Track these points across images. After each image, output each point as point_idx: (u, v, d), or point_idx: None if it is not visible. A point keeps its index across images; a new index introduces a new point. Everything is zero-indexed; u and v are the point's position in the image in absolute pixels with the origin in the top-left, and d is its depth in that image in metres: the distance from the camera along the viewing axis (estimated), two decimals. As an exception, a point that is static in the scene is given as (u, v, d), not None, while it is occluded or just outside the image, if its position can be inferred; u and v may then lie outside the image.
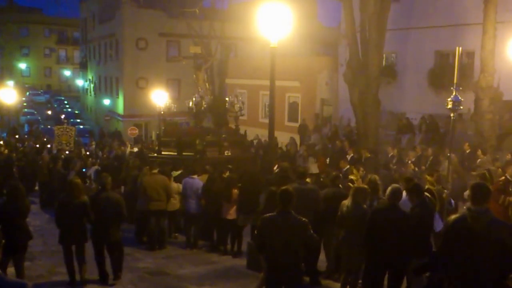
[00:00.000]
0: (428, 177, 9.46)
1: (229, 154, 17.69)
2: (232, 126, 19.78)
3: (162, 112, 20.47)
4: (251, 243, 9.99)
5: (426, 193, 8.87)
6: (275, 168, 13.14)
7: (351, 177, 12.25)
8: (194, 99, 19.73)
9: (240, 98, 18.73)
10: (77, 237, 9.52)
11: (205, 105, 19.70)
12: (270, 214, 6.82)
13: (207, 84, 24.82)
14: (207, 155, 17.38)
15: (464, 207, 5.95)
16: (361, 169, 13.24)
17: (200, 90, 20.81)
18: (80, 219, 9.46)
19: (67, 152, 24.67)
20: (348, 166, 15.12)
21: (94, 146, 28.83)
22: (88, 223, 9.62)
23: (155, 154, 18.54)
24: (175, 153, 17.79)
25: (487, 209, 5.66)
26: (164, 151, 18.36)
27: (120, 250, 9.96)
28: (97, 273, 9.91)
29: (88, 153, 27.18)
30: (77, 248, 9.65)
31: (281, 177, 10.81)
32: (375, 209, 8.03)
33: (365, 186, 8.78)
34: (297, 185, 9.40)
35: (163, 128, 20.63)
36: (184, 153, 17.67)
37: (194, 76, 26.12)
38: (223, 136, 18.57)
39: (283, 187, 7.26)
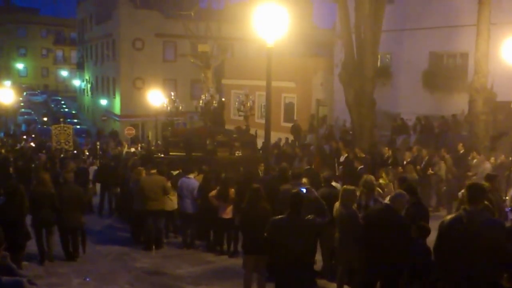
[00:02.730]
0: (486, 183, 9.05)
1: (240, 154, 17.21)
2: (243, 126, 19.30)
3: (168, 110, 19.99)
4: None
5: None
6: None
7: (380, 181, 12.06)
8: (204, 98, 19.36)
9: (251, 97, 18.12)
10: (47, 222, 10.92)
11: (215, 104, 19.33)
12: (280, 216, 6.86)
13: (204, 85, 24.88)
14: (217, 155, 16.93)
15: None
16: (390, 173, 12.99)
17: (210, 89, 20.39)
18: (49, 207, 10.82)
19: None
20: (362, 166, 15.05)
21: (97, 146, 28.86)
22: (54, 211, 10.96)
23: (162, 155, 18.03)
24: (184, 154, 17.19)
25: (483, 209, 5.75)
26: (172, 152, 17.70)
27: (77, 235, 11.43)
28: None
29: (88, 153, 27.17)
30: (47, 231, 11.09)
31: (279, 177, 10.88)
32: (370, 210, 8.09)
33: (354, 188, 8.72)
34: (290, 186, 9.49)
35: (169, 128, 20.31)
36: (193, 154, 17.04)
37: (203, 74, 26.15)
38: (234, 136, 18.16)
39: (294, 191, 7.31)
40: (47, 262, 11.10)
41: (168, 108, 19.81)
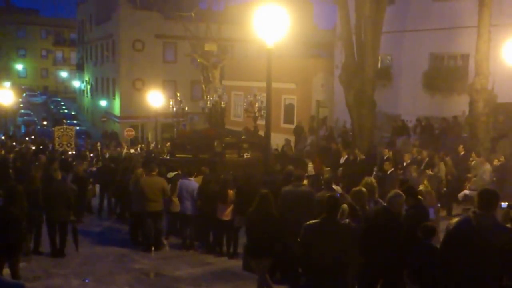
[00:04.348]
0: None
1: (249, 156, 16.92)
2: (251, 127, 18.93)
3: (174, 111, 19.67)
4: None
5: None
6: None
7: (421, 187, 11.68)
8: (212, 98, 18.98)
9: (259, 97, 17.70)
10: (35, 218, 11.42)
11: (223, 105, 18.93)
12: (314, 221, 6.74)
13: (203, 86, 24.73)
14: (226, 157, 16.67)
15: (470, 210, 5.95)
16: (433, 180, 12.52)
17: (218, 89, 20.05)
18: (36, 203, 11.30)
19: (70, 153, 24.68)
20: (392, 169, 14.88)
21: (99, 147, 28.81)
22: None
23: (168, 157, 17.81)
24: (191, 156, 16.85)
25: (493, 215, 5.70)
26: (179, 154, 17.41)
27: (65, 231, 11.75)
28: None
29: (91, 154, 27.09)
30: (36, 227, 11.72)
31: (284, 180, 10.83)
32: (368, 212, 8.05)
33: (363, 189, 8.73)
34: (292, 188, 9.46)
35: (175, 130, 20.03)
36: (201, 156, 16.64)
37: (210, 74, 25.94)
38: (242, 137, 17.86)
39: (330, 194, 7.21)
40: (44, 263, 11.10)
41: (174, 108, 19.56)
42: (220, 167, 14.74)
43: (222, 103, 18.71)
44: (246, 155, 16.84)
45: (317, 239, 6.53)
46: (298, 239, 6.82)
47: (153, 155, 21.65)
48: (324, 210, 6.72)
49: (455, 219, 6.00)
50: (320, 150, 20.97)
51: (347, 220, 6.74)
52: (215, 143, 16.75)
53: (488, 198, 5.71)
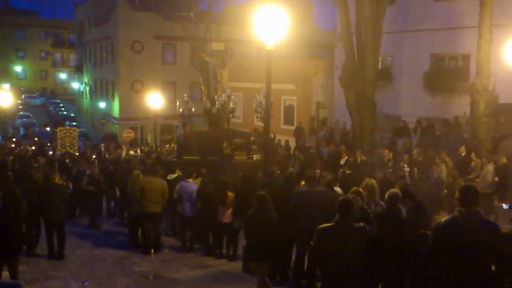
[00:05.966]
0: None
1: (258, 158, 16.52)
2: (259, 128, 18.49)
3: (182, 112, 19.35)
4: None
5: None
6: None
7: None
8: (220, 99, 18.77)
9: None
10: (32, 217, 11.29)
11: (232, 105, 18.62)
12: (327, 224, 6.62)
13: (202, 87, 24.50)
14: (235, 159, 16.40)
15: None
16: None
17: (227, 89, 19.79)
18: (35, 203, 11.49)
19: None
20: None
21: (103, 148, 28.73)
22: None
23: (174, 159, 17.50)
24: (198, 158, 16.46)
25: (477, 211, 5.77)
26: (186, 156, 17.06)
27: (63, 233, 11.83)
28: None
29: (93, 156, 26.96)
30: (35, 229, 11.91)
31: (285, 182, 10.75)
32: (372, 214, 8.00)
33: (361, 190, 8.64)
34: (307, 188, 9.38)
35: (181, 131, 19.79)
36: (209, 158, 16.31)
37: (218, 73, 25.72)
38: (252, 139, 17.54)
39: (344, 197, 7.10)
40: (43, 265, 11.04)
41: (181, 109, 19.36)
42: (229, 169, 14.57)
43: (232, 103, 18.45)
44: (256, 157, 16.58)
45: (331, 243, 6.42)
46: (311, 243, 6.72)
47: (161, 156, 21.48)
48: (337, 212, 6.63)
49: (443, 219, 6.02)
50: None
51: (361, 224, 6.63)
52: (224, 145, 16.52)
53: (468, 195, 5.78)
